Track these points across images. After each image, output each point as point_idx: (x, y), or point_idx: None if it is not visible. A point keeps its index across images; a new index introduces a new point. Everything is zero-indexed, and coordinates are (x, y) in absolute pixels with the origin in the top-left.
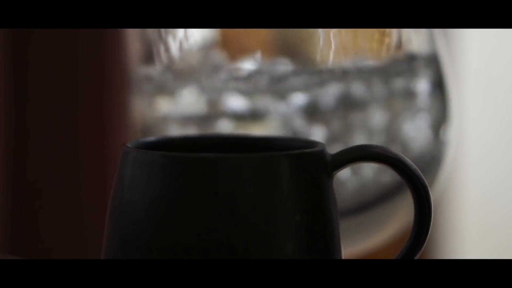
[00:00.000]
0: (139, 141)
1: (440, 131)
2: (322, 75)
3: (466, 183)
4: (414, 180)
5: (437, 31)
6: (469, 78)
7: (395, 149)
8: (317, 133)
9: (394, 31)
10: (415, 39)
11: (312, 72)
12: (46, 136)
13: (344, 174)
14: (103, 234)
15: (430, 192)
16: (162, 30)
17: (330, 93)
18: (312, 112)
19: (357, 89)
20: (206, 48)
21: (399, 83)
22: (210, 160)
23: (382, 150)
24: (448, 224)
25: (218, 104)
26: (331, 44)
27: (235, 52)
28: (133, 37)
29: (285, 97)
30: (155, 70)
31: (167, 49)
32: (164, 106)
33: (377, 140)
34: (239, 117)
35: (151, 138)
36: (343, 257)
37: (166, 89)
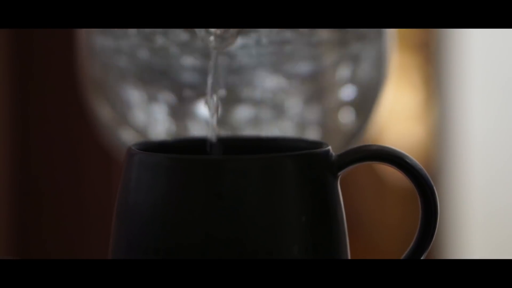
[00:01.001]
0: (144, 143)
1: None
2: None
3: (471, 183)
4: (419, 180)
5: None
6: (473, 77)
7: None
8: None
9: None
10: None
11: None
12: (51, 138)
13: None
14: (109, 237)
15: (436, 192)
16: None
17: None
18: None
19: None
20: None
21: None
22: (215, 162)
23: (387, 150)
24: (454, 224)
25: None
26: None
27: None
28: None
29: None
30: None
31: None
32: None
33: None
34: None
35: (156, 140)
36: (349, 257)
37: None
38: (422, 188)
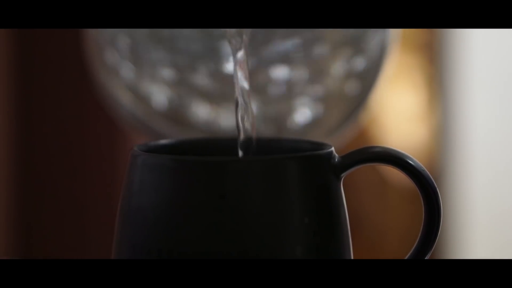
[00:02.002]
0: (147, 144)
1: None
2: None
3: (474, 184)
4: (422, 181)
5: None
6: (475, 78)
7: None
8: None
9: None
10: None
11: None
12: (55, 139)
13: None
14: (112, 238)
15: (439, 193)
16: None
17: None
18: None
19: None
20: None
21: None
22: (218, 163)
23: (390, 152)
24: (457, 225)
25: None
26: None
27: None
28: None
29: None
30: None
31: None
32: None
33: None
34: None
35: (160, 141)
36: (352, 258)
37: None
38: (425, 190)
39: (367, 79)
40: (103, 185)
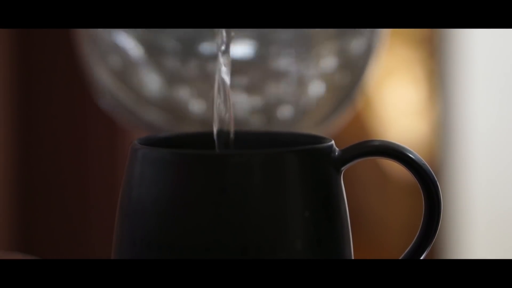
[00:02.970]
0: (148, 138)
1: None
2: None
3: (474, 178)
4: (423, 175)
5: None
6: (476, 73)
7: None
8: None
9: None
10: None
11: None
12: (55, 133)
13: None
14: (112, 232)
15: (439, 187)
16: None
17: None
18: None
19: None
20: None
21: None
22: (218, 157)
23: (391, 145)
24: (456, 219)
25: None
26: None
27: None
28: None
29: None
30: None
31: None
32: None
33: None
34: None
35: (160, 135)
36: (352, 252)
37: None
38: (425, 183)
39: (357, 68)
40: (103, 179)
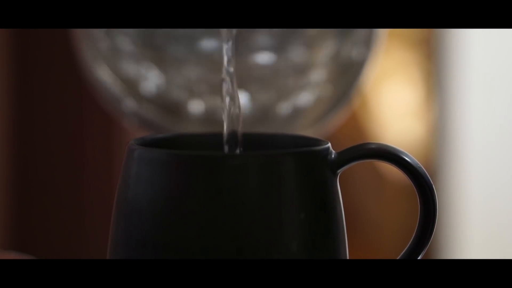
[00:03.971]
0: (144, 138)
1: None
2: None
3: (470, 180)
4: (418, 178)
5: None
6: (473, 74)
7: None
8: None
9: None
10: None
11: None
12: (51, 133)
13: None
14: (108, 232)
15: (435, 190)
16: None
17: None
18: None
19: None
20: None
21: None
22: (215, 158)
23: (387, 148)
24: (452, 221)
25: None
26: None
27: None
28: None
29: None
30: None
31: None
32: None
33: None
34: None
35: (156, 136)
36: (348, 254)
37: None
38: (421, 186)
39: (353, 69)
40: (99, 179)
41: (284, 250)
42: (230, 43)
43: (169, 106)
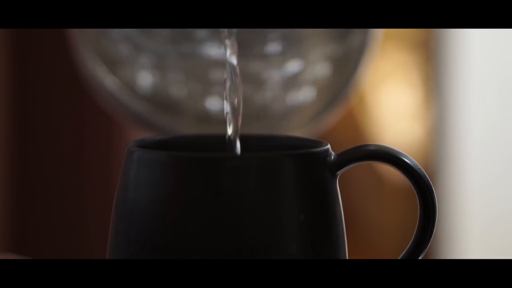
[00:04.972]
0: (144, 140)
1: None
2: None
3: (469, 182)
4: (418, 179)
5: None
6: (472, 76)
7: None
8: None
9: None
10: None
11: None
12: (51, 134)
13: None
14: (107, 233)
15: (434, 191)
16: None
17: None
18: None
19: None
20: None
21: None
22: (214, 160)
23: (386, 150)
24: (452, 223)
25: None
26: None
27: None
28: None
29: None
30: None
31: None
32: None
33: None
34: None
35: (156, 137)
36: (347, 256)
37: None
38: (420, 187)
39: (348, 67)
40: (99, 180)
41: (283, 252)
42: (232, 43)
43: (165, 105)
